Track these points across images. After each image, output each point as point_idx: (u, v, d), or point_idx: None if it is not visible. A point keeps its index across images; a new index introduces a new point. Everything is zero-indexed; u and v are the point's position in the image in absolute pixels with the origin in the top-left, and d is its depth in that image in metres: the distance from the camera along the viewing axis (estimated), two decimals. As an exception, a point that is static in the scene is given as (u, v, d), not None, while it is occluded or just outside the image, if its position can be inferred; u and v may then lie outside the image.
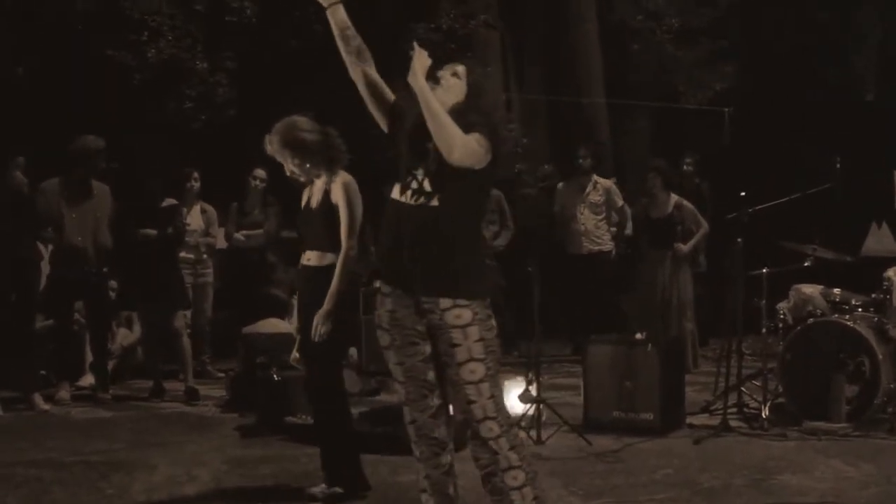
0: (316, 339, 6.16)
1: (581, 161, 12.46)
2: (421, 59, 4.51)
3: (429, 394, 4.68)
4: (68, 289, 10.05)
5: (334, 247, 6.29)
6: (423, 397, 4.69)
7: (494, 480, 4.60)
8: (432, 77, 4.57)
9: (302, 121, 6.41)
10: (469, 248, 4.65)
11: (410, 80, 4.49)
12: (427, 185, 4.56)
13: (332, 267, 6.26)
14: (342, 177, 6.37)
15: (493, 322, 4.63)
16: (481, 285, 4.66)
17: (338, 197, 6.30)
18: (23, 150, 9.65)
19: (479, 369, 4.54)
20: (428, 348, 4.65)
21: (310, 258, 6.41)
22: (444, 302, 4.55)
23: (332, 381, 6.48)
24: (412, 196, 4.58)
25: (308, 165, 6.34)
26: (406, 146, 4.65)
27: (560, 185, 12.85)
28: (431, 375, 4.68)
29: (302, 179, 6.43)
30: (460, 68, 4.70)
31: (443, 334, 4.57)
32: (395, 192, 4.64)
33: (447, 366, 4.61)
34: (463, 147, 4.46)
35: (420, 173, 4.58)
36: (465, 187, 4.55)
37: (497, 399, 4.60)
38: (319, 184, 6.37)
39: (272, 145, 6.30)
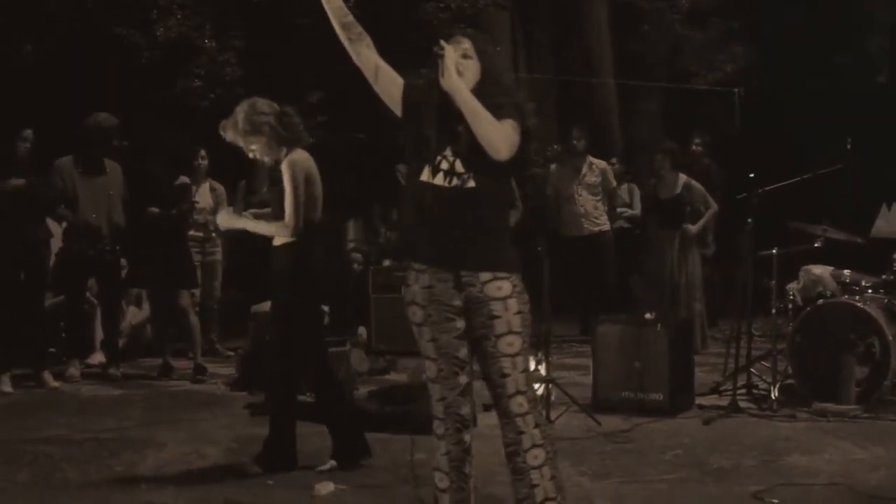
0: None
1: (575, 142, 12.40)
2: (452, 57, 4.50)
3: (459, 371, 4.66)
4: (81, 266, 10.08)
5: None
6: (453, 374, 4.67)
7: (517, 460, 4.61)
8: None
9: (260, 103, 6.46)
10: (503, 223, 4.68)
11: (444, 82, 4.48)
12: (459, 167, 4.54)
13: (287, 247, 6.34)
14: (293, 155, 6.39)
15: (527, 297, 4.63)
16: (516, 258, 4.67)
17: (283, 175, 6.32)
18: (31, 128, 9.63)
19: (516, 342, 4.54)
20: (462, 324, 4.62)
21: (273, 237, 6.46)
22: (485, 275, 4.55)
23: (322, 366, 6.62)
24: (445, 178, 4.55)
25: (268, 148, 6.40)
26: (432, 128, 4.58)
27: (552, 167, 12.80)
28: (464, 352, 4.66)
29: (266, 160, 6.46)
30: (467, 45, 4.63)
31: (482, 307, 4.55)
32: (424, 175, 4.59)
33: (484, 338, 4.58)
34: (509, 145, 4.47)
35: (450, 155, 4.56)
36: (496, 166, 4.52)
37: (528, 374, 4.61)
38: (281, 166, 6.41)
39: (227, 132, 6.38)
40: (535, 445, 4.59)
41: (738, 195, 8.84)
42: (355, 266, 11.73)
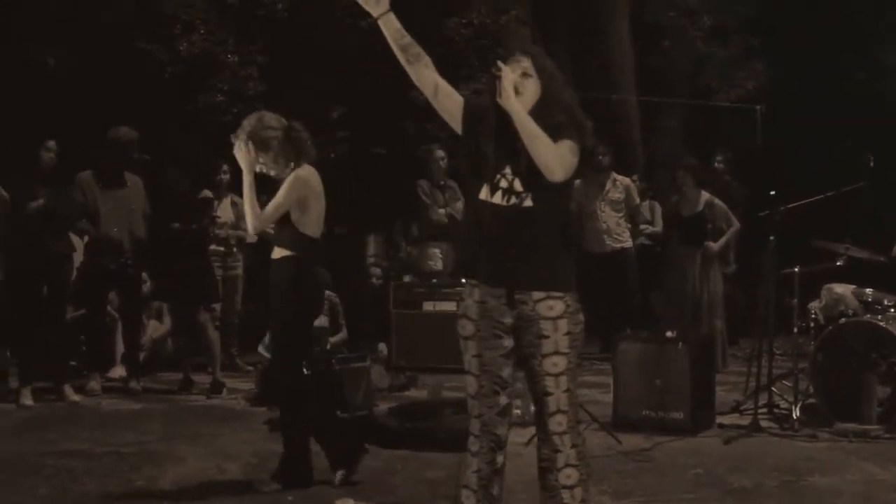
0: None
1: (600, 158, 12.37)
2: (509, 78, 4.53)
3: (500, 391, 4.67)
4: (102, 280, 10.12)
5: (284, 241, 6.38)
6: (493, 393, 4.68)
7: (549, 478, 4.64)
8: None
9: (267, 116, 6.50)
10: (561, 242, 4.68)
11: (502, 101, 4.51)
12: (518, 185, 4.57)
13: (284, 260, 6.37)
14: (300, 171, 6.41)
15: (582, 317, 4.66)
16: (573, 278, 4.69)
17: (283, 185, 6.36)
18: (55, 140, 9.69)
19: (561, 362, 4.58)
20: (509, 343, 4.64)
21: (274, 252, 6.49)
22: (538, 294, 4.58)
23: (293, 380, 6.56)
24: (503, 196, 4.59)
25: (275, 163, 6.43)
26: (491, 146, 4.62)
27: (577, 182, 12.79)
28: (507, 372, 4.67)
29: (272, 175, 6.48)
30: (526, 63, 4.64)
31: (532, 325, 4.58)
32: (483, 193, 4.63)
33: (532, 356, 4.61)
34: (565, 167, 4.53)
35: (509, 173, 4.59)
36: (553, 185, 4.56)
37: (571, 394, 4.63)
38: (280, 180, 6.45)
39: (239, 141, 6.40)
40: (568, 465, 4.62)
41: (760, 213, 8.81)
42: (374, 280, 11.73)
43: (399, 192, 11.68)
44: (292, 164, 6.44)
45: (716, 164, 12.83)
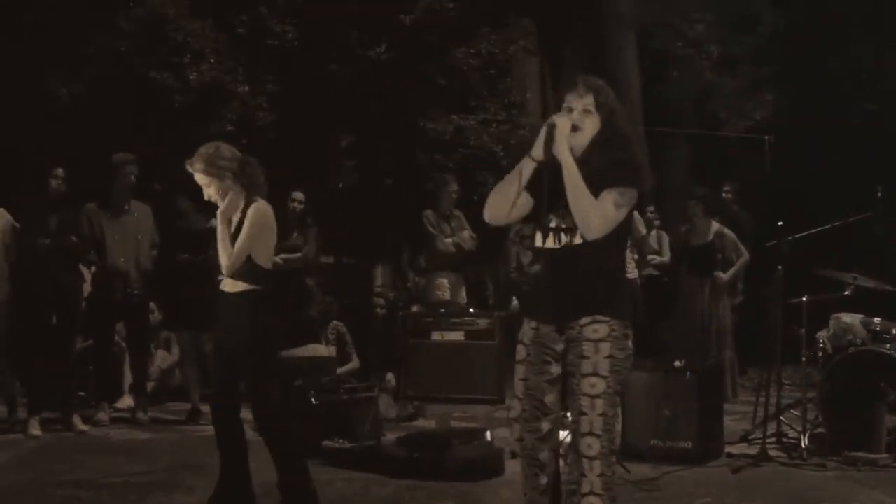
0: None
1: None
2: (564, 130, 4.62)
3: (542, 416, 4.78)
4: (110, 310, 10.14)
5: (241, 274, 6.31)
6: (535, 419, 4.78)
7: (573, 500, 4.69)
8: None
9: (224, 148, 6.48)
10: (613, 273, 4.82)
11: (556, 152, 4.61)
12: (569, 222, 4.69)
13: (245, 294, 6.31)
14: (258, 205, 6.37)
15: (630, 343, 4.74)
16: (622, 305, 4.76)
17: (247, 220, 6.31)
18: (67, 172, 9.74)
19: (599, 385, 4.63)
20: (556, 370, 4.76)
21: (225, 284, 6.40)
22: (585, 318, 4.69)
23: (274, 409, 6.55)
24: (554, 238, 4.74)
25: (224, 192, 6.36)
26: (543, 194, 4.70)
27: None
28: (550, 398, 4.78)
29: (219, 204, 6.39)
30: (588, 99, 4.72)
31: (576, 346, 4.68)
32: (538, 240, 4.80)
33: (572, 375, 4.71)
34: (603, 224, 4.62)
35: (559, 212, 4.71)
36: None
37: (607, 418, 4.65)
38: (238, 212, 6.39)
39: (193, 168, 6.38)
40: (593, 493, 4.63)
41: (768, 242, 8.82)
42: (378, 310, 11.77)
43: (407, 222, 11.70)
44: (244, 196, 6.38)
45: (724, 194, 12.83)
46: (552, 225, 4.72)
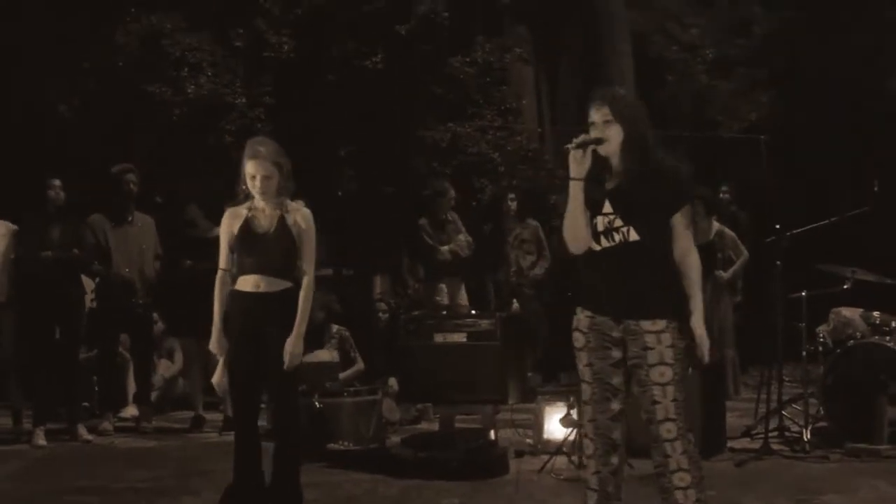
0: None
1: None
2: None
3: (612, 397, 5.02)
4: (113, 320, 10.17)
5: (289, 274, 6.32)
6: (605, 399, 5.02)
7: (662, 480, 4.97)
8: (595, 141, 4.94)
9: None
10: (666, 260, 5.01)
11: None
12: (618, 222, 4.94)
13: (290, 291, 6.29)
14: (305, 209, 6.41)
15: (684, 335, 4.94)
16: (677, 302, 4.98)
17: (304, 224, 6.34)
18: (68, 185, 9.79)
19: (667, 372, 4.87)
20: (618, 354, 4.99)
21: (261, 285, 6.30)
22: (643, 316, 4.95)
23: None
24: (607, 238, 4.97)
25: (279, 190, 6.29)
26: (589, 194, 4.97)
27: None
28: (617, 380, 5.01)
29: (265, 200, 6.28)
30: (605, 110, 4.96)
31: (638, 339, 4.92)
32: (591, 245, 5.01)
33: (638, 367, 4.93)
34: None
35: (609, 214, 4.96)
36: (653, 216, 4.97)
37: (679, 403, 4.91)
38: (268, 209, 6.32)
39: (265, 156, 6.24)
40: (680, 469, 4.92)
41: (767, 239, 8.86)
42: (380, 315, 11.81)
43: (406, 229, 11.74)
44: (284, 196, 6.36)
45: (721, 194, 12.88)
46: (600, 229, 4.96)
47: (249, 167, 6.24)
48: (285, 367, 6.15)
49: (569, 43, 16.50)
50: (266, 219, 6.33)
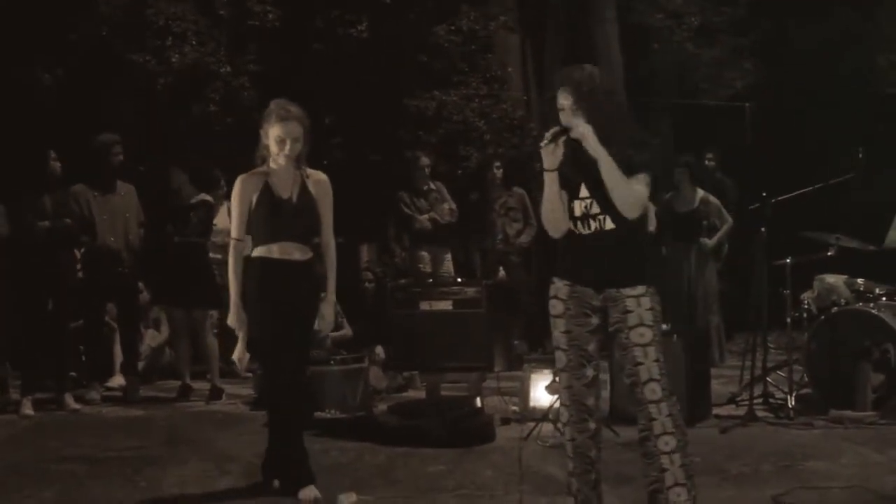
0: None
1: None
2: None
3: (586, 364, 5.13)
4: (100, 290, 10.16)
5: (310, 240, 6.27)
6: (580, 366, 5.13)
7: (648, 445, 5.02)
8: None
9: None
10: (642, 246, 5.17)
11: (592, 153, 4.94)
12: (595, 208, 5.04)
13: (313, 260, 6.25)
14: (322, 175, 6.31)
15: (660, 299, 5.05)
16: (651, 271, 5.13)
17: (324, 189, 6.25)
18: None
19: (647, 333, 4.98)
20: (596, 321, 5.11)
21: (291, 252, 6.15)
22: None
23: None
24: (583, 225, 5.08)
25: (301, 156, 6.16)
26: (566, 179, 5.07)
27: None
28: (592, 347, 5.14)
29: (285, 166, 6.12)
30: (570, 95, 5.00)
31: (618, 303, 5.01)
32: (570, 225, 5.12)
33: (619, 331, 5.02)
34: (639, 205, 4.97)
35: (583, 198, 5.07)
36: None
37: (661, 364, 4.98)
38: (288, 176, 6.16)
39: (293, 115, 6.07)
40: (665, 432, 4.98)
41: (751, 206, 8.89)
42: (367, 285, 11.83)
43: (392, 198, 11.76)
44: (302, 162, 6.21)
45: (706, 161, 12.92)
46: (577, 214, 5.06)
47: (278, 130, 6.04)
48: (322, 333, 6.17)
49: (554, 10, 16.45)
50: (287, 185, 6.16)
